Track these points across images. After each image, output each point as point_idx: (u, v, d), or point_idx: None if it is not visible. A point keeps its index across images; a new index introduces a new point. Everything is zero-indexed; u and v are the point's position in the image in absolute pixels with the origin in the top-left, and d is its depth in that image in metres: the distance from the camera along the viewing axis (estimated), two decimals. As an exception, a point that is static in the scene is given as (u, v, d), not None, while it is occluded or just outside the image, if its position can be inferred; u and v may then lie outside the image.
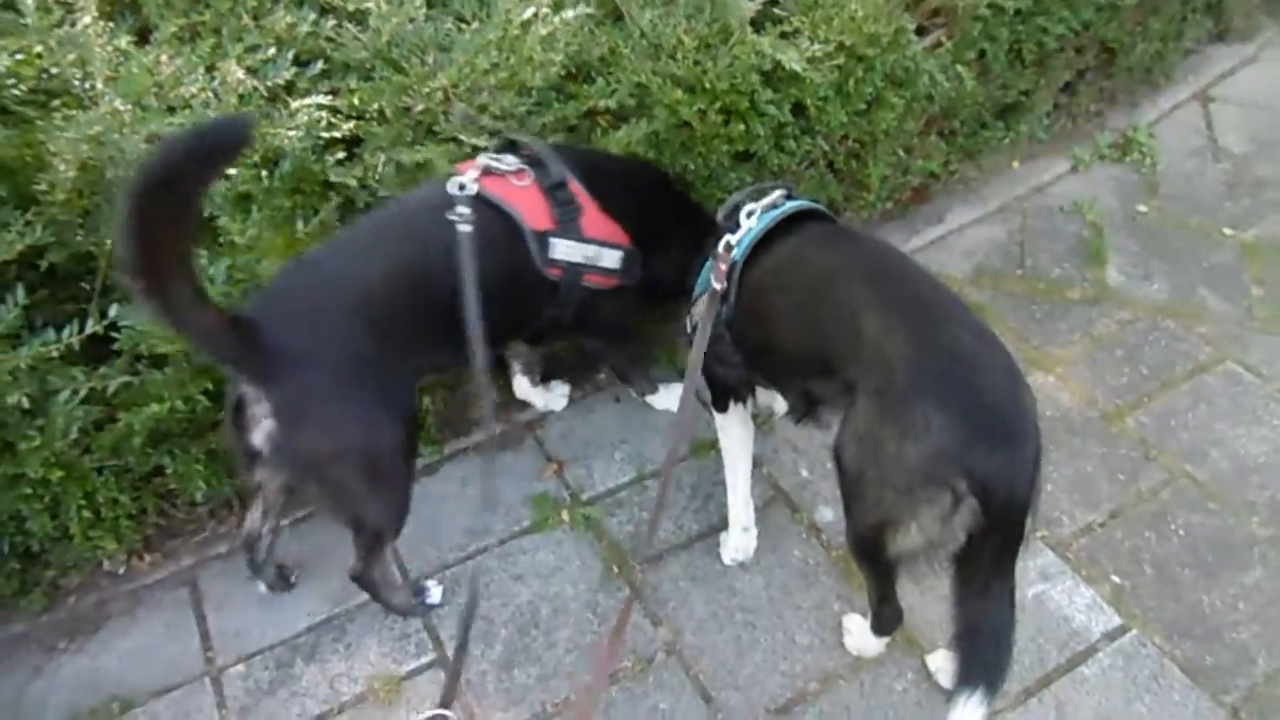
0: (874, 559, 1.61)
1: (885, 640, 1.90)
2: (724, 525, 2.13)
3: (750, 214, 1.86)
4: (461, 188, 1.80)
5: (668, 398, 2.41)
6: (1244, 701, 1.85)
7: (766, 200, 1.88)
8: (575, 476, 2.31)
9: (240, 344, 1.54)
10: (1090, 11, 2.91)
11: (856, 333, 1.55)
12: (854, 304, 1.59)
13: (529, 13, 2.17)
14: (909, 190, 3.00)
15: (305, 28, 2.22)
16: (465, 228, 1.75)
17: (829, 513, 2.19)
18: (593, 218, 1.97)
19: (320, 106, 2.07)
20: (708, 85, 2.23)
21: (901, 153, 2.87)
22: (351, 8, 2.31)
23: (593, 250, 1.98)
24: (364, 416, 1.68)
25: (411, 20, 2.25)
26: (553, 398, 2.47)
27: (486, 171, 1.87)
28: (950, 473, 1.39)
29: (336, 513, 1.82)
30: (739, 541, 2.09)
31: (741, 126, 2.32)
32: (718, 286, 1.83)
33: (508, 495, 2.28)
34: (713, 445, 2.33)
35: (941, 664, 1.87)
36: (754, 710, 1.86)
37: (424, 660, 1.98)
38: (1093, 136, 3.26)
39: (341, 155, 2.08)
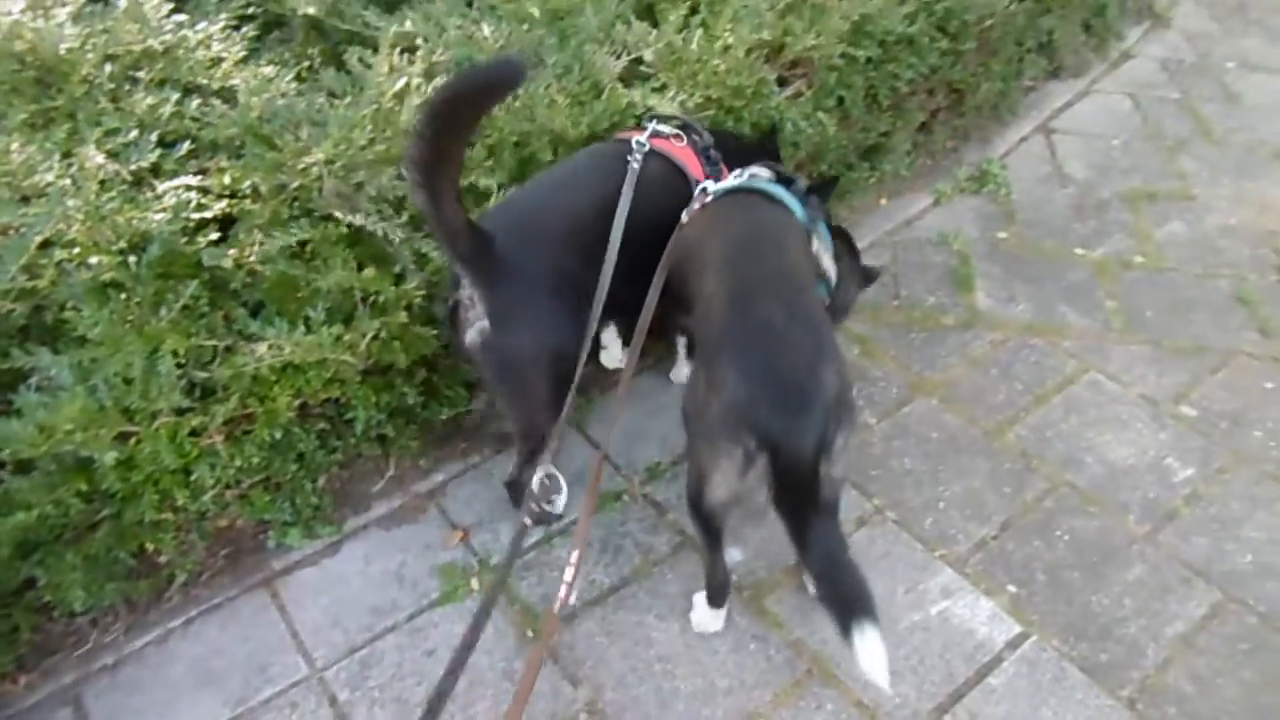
0: (697, 511, 1.78)
1: (721, 614, 2.03)
2: (634, 578, 2.14)
3: (737, 175, 2.13)
4: (640, 144, 2.13)
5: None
6: (1139, 693, 1.95)
7: (753, 170, 2.15)
8: (481, 542, 2.28)
9: (475, 249, 1.80)
10: (936, 57, 3.12)
11: (701, 288, 1.80)
12: (711, 261, 1.85)
13: (400, 84, 2.19)
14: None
15: (169, 108, 2.18)
16: (635, 164, 2.08)
17: (737, 553, 2.21)
18: (727, 178, 2.23)
19: (189, 187, 2.03)
20: (585, 131, 2.29)
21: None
22: (217, 85, 2.29)
23: None
24: (563, 327, 1.89)
25: (282, 96, 2.24)
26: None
27: (654, 135, 2.19)
28: (740, 428, 1.57)
29: (519, 409, 2.04)
30: None
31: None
32: (682, 219, 2.08)
33: (413, 569, 2.22)
34: (618, 496, 2.35)
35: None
36: (680, 762, 1.85)
37: (336, 752, 1.90)
38: (951, 171, 3.47)
39: (215, 236, 2.03)
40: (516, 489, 2.18)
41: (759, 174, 2.14)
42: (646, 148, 2.12)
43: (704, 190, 2.10)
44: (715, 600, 2.01)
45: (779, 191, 2.08)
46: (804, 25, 2.67)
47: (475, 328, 1.87)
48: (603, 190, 2.02)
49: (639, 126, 2.27)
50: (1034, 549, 2.23)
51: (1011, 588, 2.15)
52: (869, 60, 2.85)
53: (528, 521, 1.75)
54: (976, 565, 2.20)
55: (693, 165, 2.21)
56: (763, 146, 2.47)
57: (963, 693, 1.96)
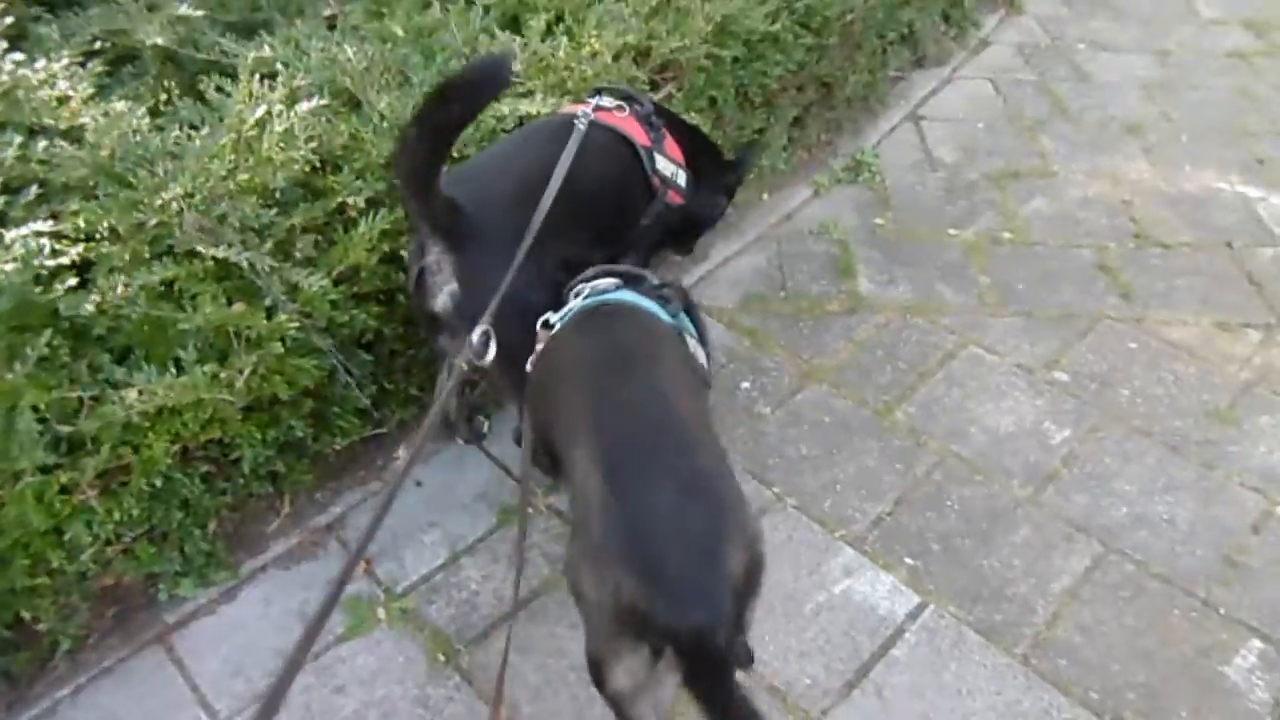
0: (600, 688, 1.57)
1: None
2: (543, 590, 2.13)
3: (578, 294, 1.89)
4: (584, 114, 2.18)
5: None
6: (1032, 649, 2.05)
7: (595, 284, 1.90)
8: (386, 570, 2.23)
9: (449, 219, 1.88)
10: (801, 53, 3.21)
11: (570, 452, 1.56)
12: (575, 419, 1.60)
13: (261, 111, 2.14)
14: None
15: (11, 152, 2.07)
16: (581, 126, 2.12)
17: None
18: (670, 145, 2.37)
19: (39, 234, 1.92)
20: (455, 154, 2.27)
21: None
22: (65, 125, 2.18)
23: (674, 168, 2.37)
24: (529, 283, 1.86)
25: (135, 132, 2.15)
26: None
27: (598, 108, 2.24)
28: (644, 633, 1.39)
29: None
30: None
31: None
32: (529, 369, 1.84)
33: (317, 606, 2.16)
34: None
35: None
36: (599, 771, 1.85)
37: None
38: (827, 163, 3.57)
39: (72, 282, 1.94)
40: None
41: (601, 285, 1.90)
42: (591, 117, 2.19)
43: (545, 323, 1.87)
44: None
45: (635, 300, 1.86)
46: (668, 27, 2.72)
47: (445, 291, 1.94)
48: (551, 153, 2.05)
49: (582, 102, 2.33)
50: (927, 521, 2.32)
51: (909, 560, 2.23)
52: (735, 60, 2.92)
53: None
54: (875, 542, 2.27)
55: (636, 132, 2.30)
56: (695, 131, 2.58)
57: (869, 667, 2.02)
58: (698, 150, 2.49)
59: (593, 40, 2.57)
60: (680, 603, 1.36)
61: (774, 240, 3.23)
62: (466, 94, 1.77)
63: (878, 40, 3.73)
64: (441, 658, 2.06)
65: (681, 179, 2.40)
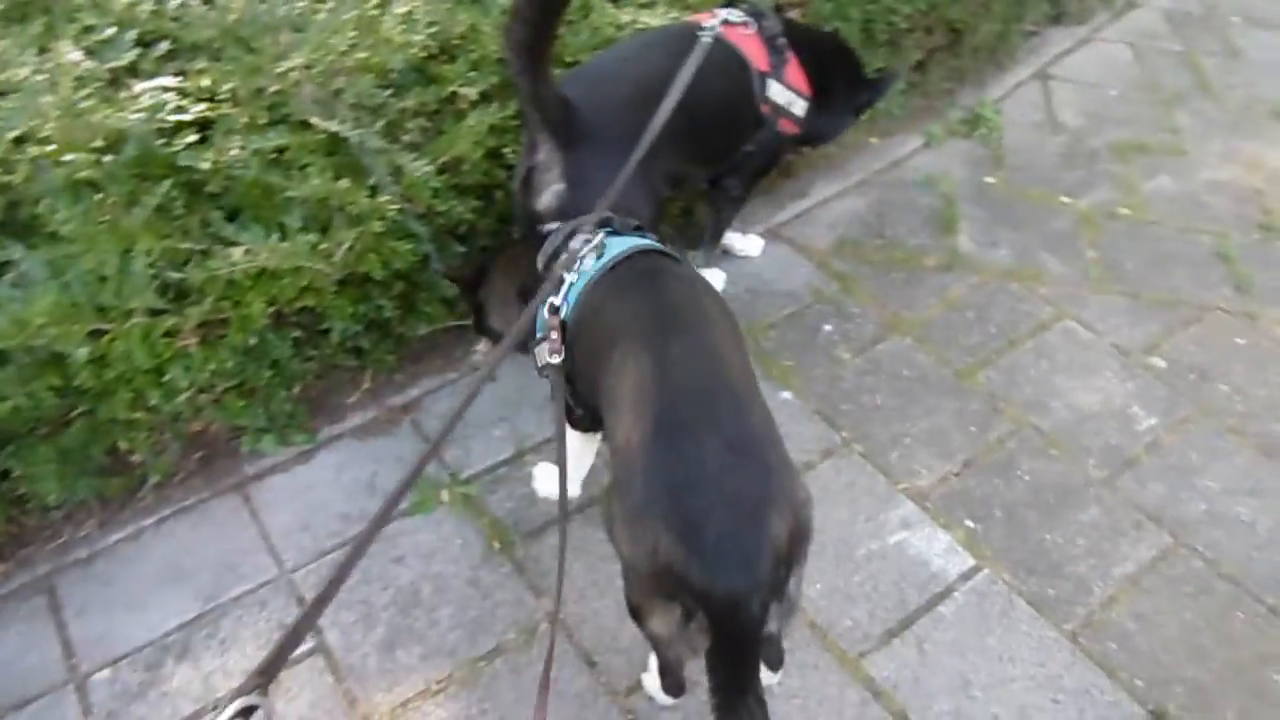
0: (639, 626, 1.56)
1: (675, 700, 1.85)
2: (603, 498, 2.18)
3: (576, 263, 1.73)
4: (710, 27, 2.18)
5: (749, 244, 2.82)
6: (1083, 627, 2.02)
7: (590, 245, 1.74)
8: (453, 457, 2.31)
9: (561, 117, 1.91)
10: (937, -8, 3.07)
11: (615, 412, 1.50)
12: (622, 371, 1.52)
13: (385, -9, 2.15)
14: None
15: (147, 6, 2.13)
16: (706, 39, 2.13)
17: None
18: (793, 70, 2.31)
19: (166, 89, 1.99)
20: (568, 60, 2.26)
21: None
22: (198, -15, 2.23)
23: (791, 97, 2.32)
24: (633, 188, 1.90)
25: (264, 0, 2.19)
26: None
27: (724, 22, 2.22)
28: (677, 592, 1.37)
29: None
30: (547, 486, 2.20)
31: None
32: (552, 360, 1.69)
33: (385, 480, 2.26)
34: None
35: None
36: (636, 672, 1.91)
37: (303, 649, 1.94)
38: (944, 113, 3.44)
39: (193, 138, 2.01)
40: None
41: (597, 239, 1.75)
42: (716, 31, 2.18)
43: (553, 307, 1.71)
44: (667, 690, 1.83)
45: (670, 253, 1.78)
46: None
47: (551, 190, 1.98)
48: (669, 64, 2.05)
49: (710, 13, 2.30)
50: (994, 487, 2.28)
51: (969, 523, 2.20)
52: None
53: None
54: (937, 500, 2.25)
55: (755, 54, 2.26)
56: (839, 49, 2.55)
57: (913, 619, 2.02)
58: (834, 65, 2.45)
59: (721, -46, 2.49)
60: (716, 567, 1.33)
61: (877, 186, 3.14)
62: None
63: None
64: (496, 545, 2.13)
65: (798, 107, 2.35)
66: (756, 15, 2.30)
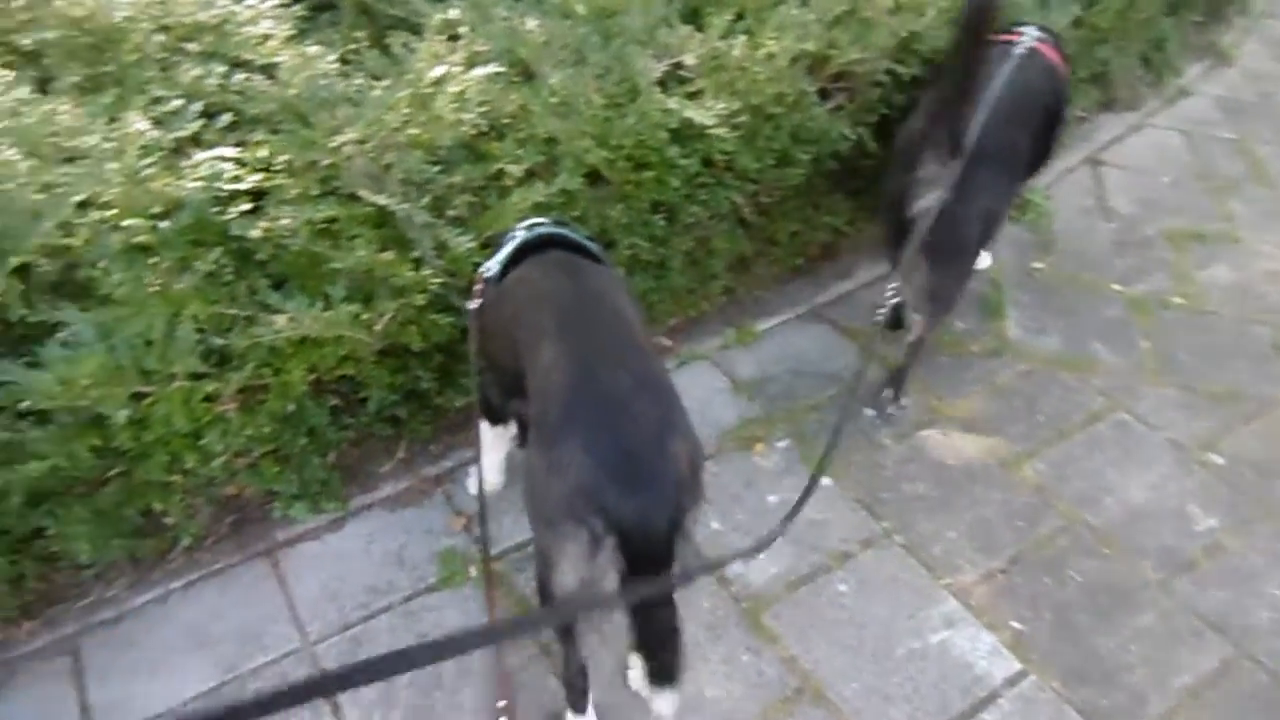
0: (546, 598, 1.66)
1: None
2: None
3: (511, 238, 1.95)
4: (1023, 42, 2.53)
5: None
6: (1137, 743, 1.90)
7: (526, 223, 2.00)
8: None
9: (953, 138, 2.20)
10: (984, 80, 3.06)
11: (535, 360, 1.66)
12: (541, 330, 1.69)
13: (440, 71, 2.21)
14: (817, 246, 3.09)
15: (214, 80, 2.21)
16: (1020, 51, 2.48)
17: (738, 564, 2.19)
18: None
19: (224, 159, 2.05)
20: (614, 142, 2.29)
21: (809, 209, 2.97)
22: (263, 61, 2.32)
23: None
24: (1001, 194, 2.42)
25: (324, 75, 2.26)
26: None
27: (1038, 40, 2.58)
28: (585, 511, 1.44)
29: (951, 265, 2.40)
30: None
31: (651, 174, 2.38)
32: (471, 305, 1.94)
33: (414, 552, 2.23)
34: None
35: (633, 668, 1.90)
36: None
37: (320, 727, 1.91)
38: (992, 197, 3.41)
39: (247, 207, 2.06)
40: (922, 348, 2.59)
41: (540, 223, 2.01)
42: (1031, 44, 2.51)
43: (484, 268, 1.96)
44: (576, 706, 1.85)
45: (582, 241, 1.96)
46: (850, 38, 2.64)
47: (930, 197, 2.23)
48: (1019, 81, 2.40)
49: (1011, 33, 2.60)
50: (1043, 586, 2.18)
51: (1016, 624, 2.11)
52: (913, 79, 2.81)
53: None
54: (982, 598, 2.16)
55: (1063, 69, 2.62)
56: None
57: (955, 725, 1.92)
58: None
59: (770, 42, 2.52)
60: (623, 478, 1.44)
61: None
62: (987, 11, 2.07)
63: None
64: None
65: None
66: (1049, 32, 2.64)
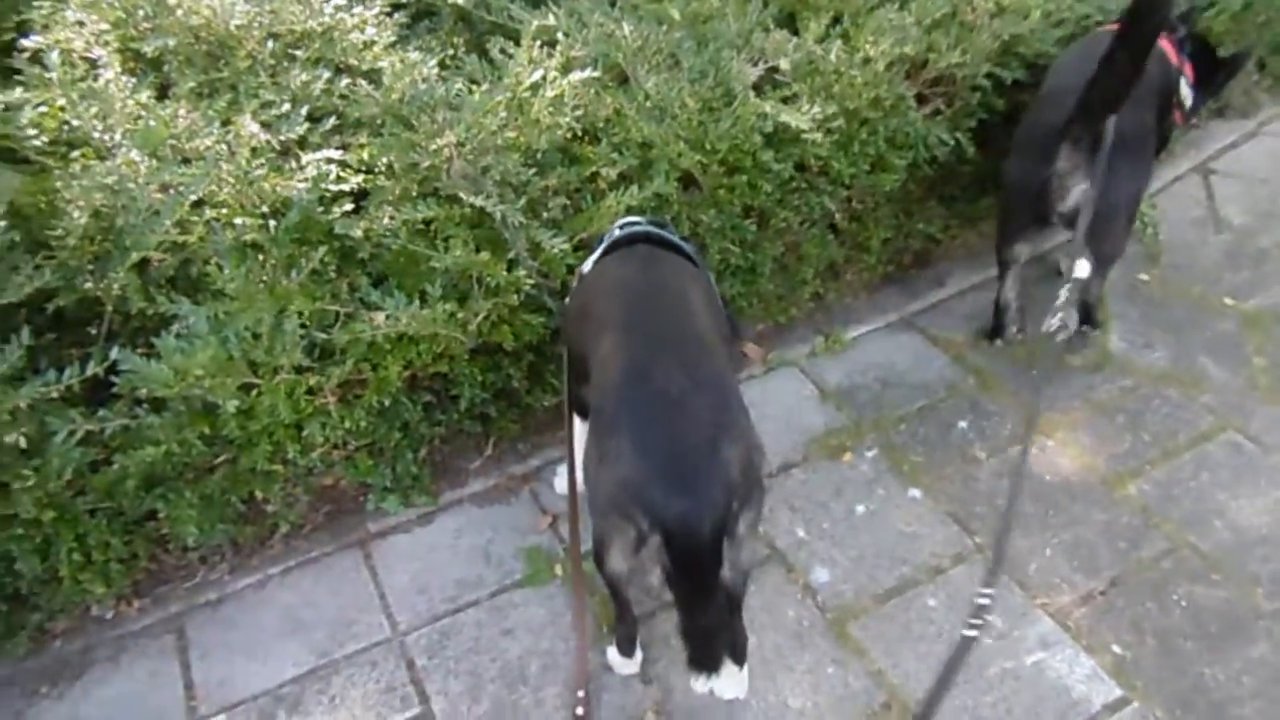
0: (600, 572, 1.68)
1: (630, 662, 1.96)
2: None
3: (609, 235, 2.00)
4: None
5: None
6: (1250, 781, 1.80)
7: (623, 221, 2.04)
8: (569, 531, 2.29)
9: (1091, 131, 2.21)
10: (1088, 84, 2.96)
11: (598, 348, 1.67)
12: (607, 319, 1.72)
13: (537, 75, 2.24)
14: (910, 254, 3.03)
15: (320, 85, 2.29)
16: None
17: (824, 574, 2.16)
18: (1188, 69, 2.67)
19: (330, 160, 2.12)
20: (708, 146, 2.28)
21: (903, 216, 2.92)
22: (366, 67, 2.39)
23: (1187, 91, 2.68)
24: (1142, 177, 2.43)
25: (424, 80, 2.32)
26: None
27: None
28: (632, 506, 1.45)
29: (1105, 237, 2.38)
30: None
31: (744, 179, 2.38)
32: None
33: (501, 548, 2.26)
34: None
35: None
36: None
37: (409, 714, 1.94)
38: (1094, 206, 3.28)
39: (349, 207, 2.13)
40: (1096, 302, 2.74)
41: (636, 221, 2.05)
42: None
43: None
44: (623, 649, 1.95)
45: (673, 239, 1.99)
46: (950, 42, 2.59)
47: (1077, 190, 2.27)
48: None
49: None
50: (1146, 610, 2.09)
51: (1116, 648, 2.02)
52: (1015, 83, 2.74)
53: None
54: (1080, 619, 2.07)
55: (1176, 58, 2.62)
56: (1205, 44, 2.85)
57: (1051, 751, 1.85)
58: (1203, 56, 2.76)
59: (868, 46, 2.49)
60: (670, 480, 1.44)
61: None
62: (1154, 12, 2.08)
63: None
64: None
65: (1189, 100, 2.68)
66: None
